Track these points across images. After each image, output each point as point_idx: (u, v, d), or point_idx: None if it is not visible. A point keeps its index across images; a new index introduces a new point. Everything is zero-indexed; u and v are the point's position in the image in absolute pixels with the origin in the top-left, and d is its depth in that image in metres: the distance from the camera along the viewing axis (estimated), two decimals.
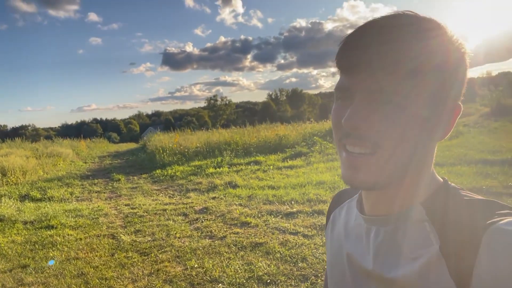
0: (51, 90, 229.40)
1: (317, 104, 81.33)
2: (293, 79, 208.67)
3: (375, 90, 0.50)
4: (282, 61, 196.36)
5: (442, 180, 0.59)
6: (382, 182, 0.53)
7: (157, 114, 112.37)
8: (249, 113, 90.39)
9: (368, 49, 0.50)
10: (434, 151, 0.58)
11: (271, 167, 9.51)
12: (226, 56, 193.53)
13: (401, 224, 0.56)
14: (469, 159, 7.50)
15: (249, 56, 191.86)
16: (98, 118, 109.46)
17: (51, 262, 4.10)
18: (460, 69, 0.53)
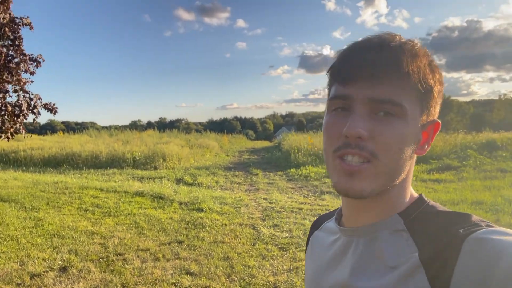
0: (202, 89, 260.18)
1: (467, 113, 71.38)
2: None
3: (376, 99, 0.53)
4: None
5: (417, 194, 0.61)
6: (377, 190, 0.55)
7: (290, 115, 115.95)
8: None
9: (371, 60, 0.53)
10: (413, 165, 0.60)
11: (414, 178, 8.70)
12: None
13: (379, 234, 0.57)
14: None
15: None
16: (238, 116, 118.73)
17: None
18: (437, 86, 0.57)
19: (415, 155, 0.59)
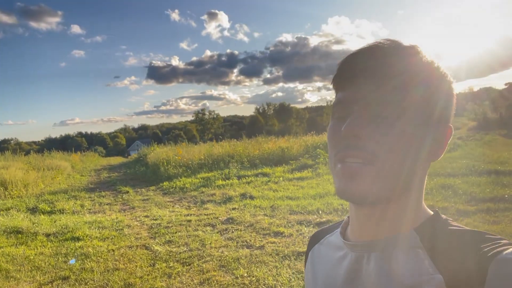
0: (33, 104, 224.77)
1: (304, 118, 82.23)
2: (280, 94, 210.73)
3: (371, 101, 0.53)
4: (268, 76, 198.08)
5: (433, 211, 0.59)
6: (378, 194, 0.52)
7: (143, 128, 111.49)
8: (236, 127, 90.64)
9: (362, 65, 0.54)
10: (426, 173, 0.58)
11: (281, 178, 9.54)
12: (212, 70, 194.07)
13: (393, 250, 0.55)
14: (480, 170, 7.71)
15: (235, 70, 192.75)
16: (83, 132, 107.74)
17: (72, 261, 4.36)
18: (443, 88, 0.56)
19: (428, 165, 0.58)
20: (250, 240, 4.76)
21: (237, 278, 3.66)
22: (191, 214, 6.52)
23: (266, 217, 5.80)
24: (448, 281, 0.48)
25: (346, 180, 0.53)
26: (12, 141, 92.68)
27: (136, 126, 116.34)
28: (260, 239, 4.78)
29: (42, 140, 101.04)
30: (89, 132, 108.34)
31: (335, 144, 0.55)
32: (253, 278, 3.62)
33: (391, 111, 0.52)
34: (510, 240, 0.49)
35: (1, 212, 7.57)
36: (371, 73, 0.53)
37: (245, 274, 3.73)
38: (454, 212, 5.11)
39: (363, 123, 0.52)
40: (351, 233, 0.63)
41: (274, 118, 77.82)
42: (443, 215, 0.58)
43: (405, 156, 0.52)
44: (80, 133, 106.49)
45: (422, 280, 0.49)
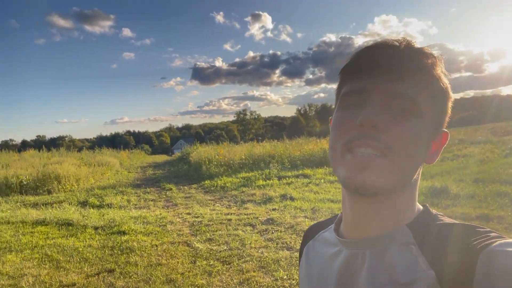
0: (86, 103, 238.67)
1: None
2: (322, 95, 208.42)
3: (396, 94, 0.52)
4: (311, 76, 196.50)
5: (422, 206, 0.59)
6: (389, 187, 0.52)
7: (187, 127, 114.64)
8: (277, 128, 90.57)
9: (393, 54, 0.53)
10: (420, 174, 0.58)
11: (322, 180, 9.36)
12: (254, 71, 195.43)
13: (388, 247, 0.54)
14: None
15: (277, 71, 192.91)
16: (131, 130, 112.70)
17: None
18: (449, 93, 0.56)
19: (423, 165, 0.57)
20: (290, 242, 4.69)
21: (276, 280, 3.61)
22: (231, 213, 6.56)
23: (306, 219, 5.70)
24: (440, 276, 0.47)
25: (357, 170, 0.51)
26: (66, 138, 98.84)
27: (180, 125, 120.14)
28: (300, 242, 4.69)
29: (93, 138, 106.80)
30: (136, 130, 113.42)
31: (344, 133, 0.54)
32: (293, 281, 3.55)
33: (411, 106, 0.52)
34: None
35: (54, 204, 8.07)
36: (396, 66, 0.52)
37: (285, 277, 3.67)
38: (511, 222, 4.73)
39: (383, 113, 0.51)
40: (345, 230, 0.62)
41: (316, 119, 76.86)
42: (433, 210, 0.58)
43: (415, 152, 0.52)
44: (128, 132, 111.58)
45: (416, 277, 0.49)
